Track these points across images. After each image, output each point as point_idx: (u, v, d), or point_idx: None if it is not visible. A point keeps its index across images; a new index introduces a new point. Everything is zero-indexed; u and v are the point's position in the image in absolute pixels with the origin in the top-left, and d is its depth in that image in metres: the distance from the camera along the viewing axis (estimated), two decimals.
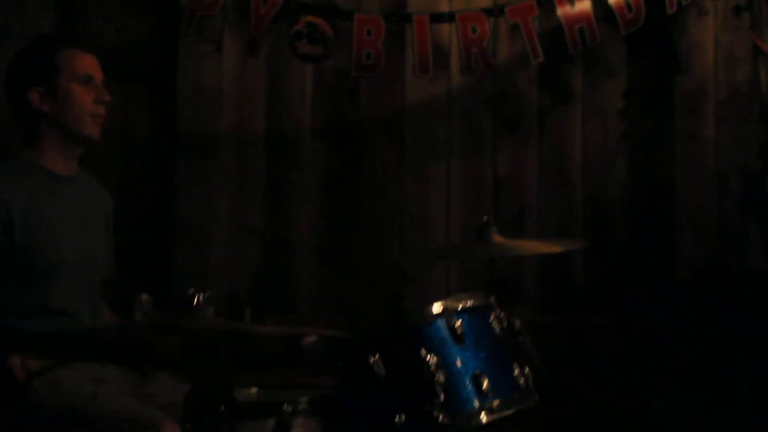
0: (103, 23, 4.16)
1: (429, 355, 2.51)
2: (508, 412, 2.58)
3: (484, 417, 2.54)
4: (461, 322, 2.58)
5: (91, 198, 3.08)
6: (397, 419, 2.49)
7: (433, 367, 2.49)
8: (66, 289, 2.85)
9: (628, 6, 3.88)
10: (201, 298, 2.08)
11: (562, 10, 3.88)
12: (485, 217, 3.02)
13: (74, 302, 2.85)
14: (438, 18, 3.92)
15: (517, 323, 2.77)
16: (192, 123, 4.18)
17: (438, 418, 2.46)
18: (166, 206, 4.17)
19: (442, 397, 2.48)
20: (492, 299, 2.73)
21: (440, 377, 2.50)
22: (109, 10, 4.15)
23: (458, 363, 2.55)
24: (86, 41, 3.17)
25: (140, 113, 4.20)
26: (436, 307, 2.59)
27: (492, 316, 2.69)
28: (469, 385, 2.53)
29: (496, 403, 2.54)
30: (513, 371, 2.64)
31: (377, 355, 2.53)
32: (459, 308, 2.60)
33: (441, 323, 2.57)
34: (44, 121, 2.90)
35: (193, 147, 4.17)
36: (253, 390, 2.53)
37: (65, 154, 2.94)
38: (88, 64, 2.96)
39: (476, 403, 2.53)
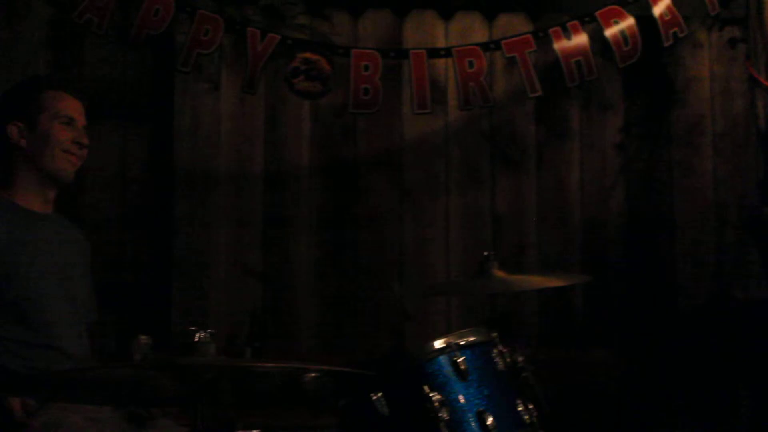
0: (98, 61, 4.15)
1: (432, 392, 2.48)
2: None
3: None
4: (464, 358, 2.55)
5: (68, 237, 3.08)
6: None
7: (436, 404, 2.46)
8: (52, 325, 2.85)
9: (625, 39, 3.88)
10: (202, 335, 2.05)
11: (559, 44, 3.88)
12: (486, 252, 3.00)
13: (61, 338, 2.85)
14: (435, 53, 3.92)
15: (520, 359, 2.74)
16: (189, 161, 4.16)
17: None
18: (164, 245, 4.13)
19: None
20: (494, 335, 2.70)
21: (444, 414, 2.46)
22: (105, 47, 4.13)
23: (462, 400, 2.52)
24: (74, 85, 3.19)
25: (137, 151, 4.18)
26: (439, 343, 2.56)
27: (495, 352, 2.66)
28: (473, 423, 2.50)
29: None
30: (517, 407, 2.61)
31: (380, 393, 2.50)
32: (462, 344, 2.57)
33: (444, 359, 2.54)
34: (19, 157, 2.93)
35: (191, 185, 4.15)
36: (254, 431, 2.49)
37: (40, 193, 2.96)
38: (71, 107, 3.00)
39: None
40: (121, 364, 2.22)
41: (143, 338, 2.57)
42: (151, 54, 4.14)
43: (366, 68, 3.82)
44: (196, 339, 2.06)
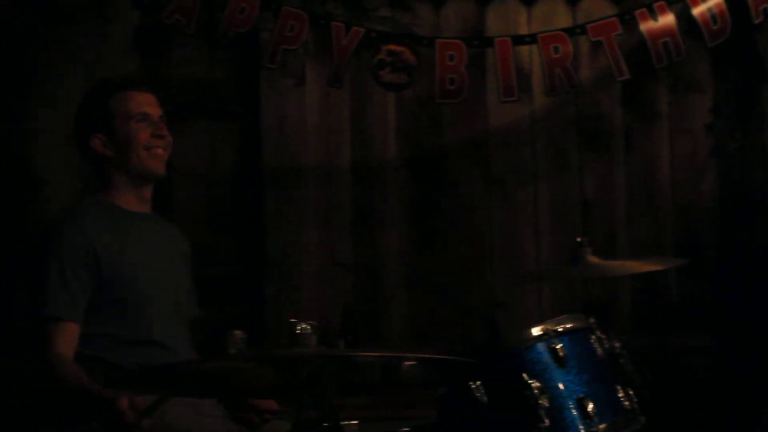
0: (184, 61, 4.20)
1: (531, 380, 2.48)
2: None
3: None
4: (562, 345, 2.54)
5: (168, 235, 3.13)
6: None
7: (536, 392, 2.46)
8: (154, 321, 2.90)
9: (713, 18, 3.81)
10: (303, 327, 2.08)
11: (645, 26, 3.82)
12: (579, 238, 2.98)
13: (164, 334, 2.91)
14: (520, 40, 3.90)
15: (617, 345, 2.72)
16: (277, 156, 4.19)
17: None
18: (254, 241, 4.18)
19: (546, 422, 2.45)
20: (592, 320, 2.69)
21: (544, 402, 2.46)
22: (191, 48, 4.18)
23: (561, 387, 2.52)
24: (140, 80, 3.24)
25: (225, 149, 4.23)
26: (536, 330, 2.57)
27: (593, 338, 2.65)
28: (573, 410, 2.50)
29: (602, 427, 2.51)
30: (617, 393, 2.60)
31: (478, 381, 2.50)
32: (559, 330, 2.57)
33: (542, 346, 2.54)
34: (109, 164, 2.97)
35: (280, 180, 4.19)
36: (353, 422, 2.50)
37: (136, 192, 3.00)
38: (141, 102, 3.01)
39: (582, 428, 2.49)
40: (226, 357, 2.25)
41: (237, 333, 2.61)
42: (236, 52, 4.18)
43: (451, 58, 3.81)
44: (298, 331, 2.09)
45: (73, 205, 3.24)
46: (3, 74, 4.05)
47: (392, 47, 3.83)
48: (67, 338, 2.78)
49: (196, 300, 3.15)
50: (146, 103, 3.01)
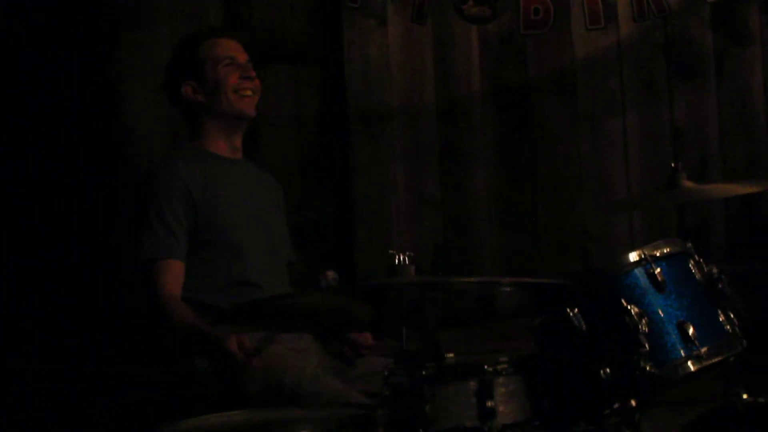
0: (266, 8, 4.22)
1: (630, 305, 2.45)
2: (717, 360, 2.51)
3: (691, 365, 2.47)
4: (661, 270, 2.51)
5: (261, 181, 3.17)
6: (602, 372, 2.45)
7: (635, 317, 2.44)
8: (250, 263, 2.94)
9: None
10: (402, 258, 2.09)
11: None
12: (674, 164, 2.93)
13: (260, 274, 2.95)
14: None
15: (715, 270, 2.68)
16: (362, 98, 4.20)
17: (645, 368, 2.41)
18: (342, 183, 4.21)
19: (647, 347, 2.42)
20: (689, 245, 2.65)
21: (643, 327, 2.43)
22: None
23: (661, 312, 2.48)
24: (225, 28, 3.26)
25: (311, 93, 4.25)
26: (633, 256, 2.53)
27: (691, 263, 2.61)
28: (673, 334, 2.47)
29: (704, 350, 2.47)
30: (718, 317, 2.56)
31: (576, 309, 2.49)
32: (657, 255, 2.53)
33: (640, 272, 2.50)
34: (201, 110, 3.03)
35: (366, 121, 4.20)
36: (450, 355, 2.52)
37: (227, 139, 3.05)
38: (227, 47, 3.07)
39: (683, 352, 2.46)
40: (331, 288, 2.27)
41: (330, 273, 2.64)
42: None
43: None
44: (397, 262, 2.10)
45: (167, 152, 3.29)
46: (91, 24, 4.12)
47: None
48: (174, 276, 2.84)
49: (291, 245, 3.19)
50: (233, 48, 3.07)
